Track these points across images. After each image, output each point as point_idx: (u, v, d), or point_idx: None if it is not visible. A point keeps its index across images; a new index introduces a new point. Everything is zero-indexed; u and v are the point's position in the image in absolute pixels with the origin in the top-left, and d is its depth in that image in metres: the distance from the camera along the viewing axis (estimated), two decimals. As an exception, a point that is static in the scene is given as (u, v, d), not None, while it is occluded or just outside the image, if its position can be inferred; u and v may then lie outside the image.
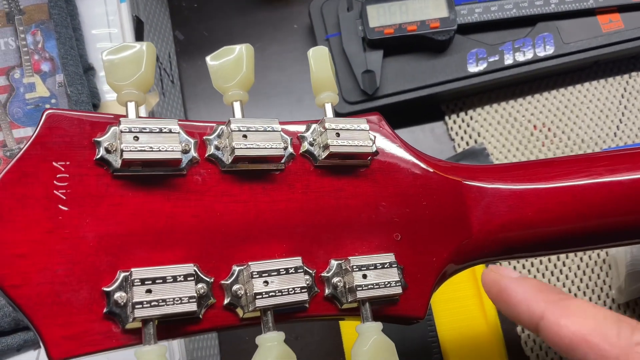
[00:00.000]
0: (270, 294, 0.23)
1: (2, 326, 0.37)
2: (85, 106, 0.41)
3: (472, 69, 0.49)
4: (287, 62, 0.55)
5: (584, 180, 0.31)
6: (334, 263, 0.26)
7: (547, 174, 0.32)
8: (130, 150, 0.23)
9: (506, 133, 0.52)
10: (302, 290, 0.24)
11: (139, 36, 0.47)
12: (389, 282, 0.25)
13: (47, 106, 0.40)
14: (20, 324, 0.37)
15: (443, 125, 0.53)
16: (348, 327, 0.45)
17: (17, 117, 0.40)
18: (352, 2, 0.51)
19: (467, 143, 0.52)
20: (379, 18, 0.49)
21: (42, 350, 0.38)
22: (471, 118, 0.52)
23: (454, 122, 0.52)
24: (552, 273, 0.49)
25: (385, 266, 0.26)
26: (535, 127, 0.52)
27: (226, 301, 0.24)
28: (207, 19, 0.56)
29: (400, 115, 0.52)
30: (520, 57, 0.49)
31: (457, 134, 0.52)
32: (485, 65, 0.49)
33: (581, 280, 0.48)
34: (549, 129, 0.52)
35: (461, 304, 0.46)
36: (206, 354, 0.44)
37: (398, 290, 0.26)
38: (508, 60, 0.49)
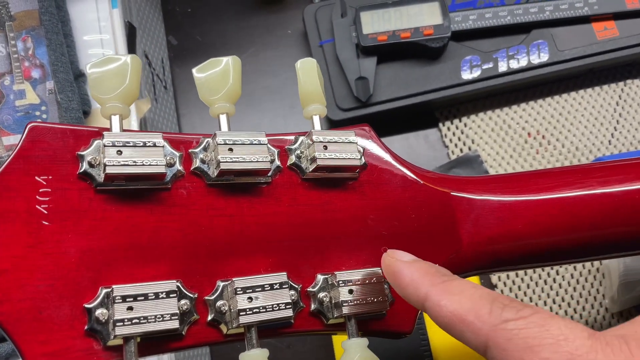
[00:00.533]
0: (255, 310, 0.23)
1: (-10, 335, 0.37)
2: (76, 113, 0.40)
3: (466, 76, 0.49)
4: (281, 67, 0.55)
5: (573, 192, 0.31)
6: (320, 277, 0.26)
7: (537, 185, 0.31)
8: (114, 165, 0.23)
9: (500, 140, 0.51)
10: (287, 306, 0.24)
11: (131, 42, 0.46)
12: (375, 298, 0.25)
13: (37, 113, 0.40)
14: (8, 332, 0.37)
15: (437, 132, 0.52)
16: (339, 336, 0.45)
17: (7, 125, 0.40)
18: (346, 8, 0.51)
19: (461, 150, 0.51)
20: (373, 24, 0.49)
21: None
22: (465, 125, 0.52)
23: (448, 129, 0.52)
24: (545, 282, 0.48)
25: (372, 281, 0.26)
26: (529, 134, 0.52)
27: (210, 317, 0.24)
28: (201, 24, 0.56)
29: (394, 122, 0.52)
30: (515, 65, 0.49)
31: (451, 140, 0.52)
32: (479, 72, 0.49)
33: (574, 289, 0.48)
34: (543, 137, 0.51)
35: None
36: (197, 362, 0.44)
37: (385, 305, 0.25)
38: (502, 68, 0.49)
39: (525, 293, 0.48)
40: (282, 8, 0.57)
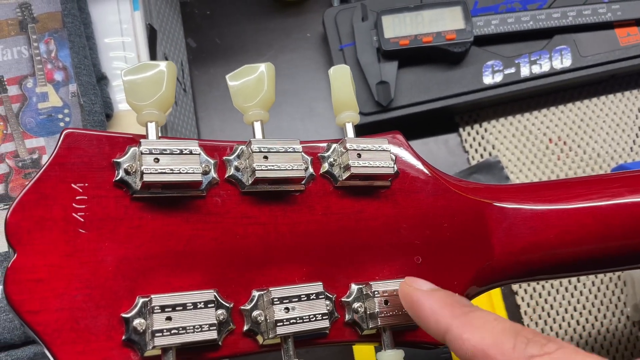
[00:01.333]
0: (292, 320, 0.23)
1: (12, 339, 0.37)
2: (99, 117, 0.40)
3: (488, 81, 0.49)
4: (299, 70, 0.55)
5: (605, 201, 0.31)
6: (354, 287, 0.25)
7: (568, 194, 0.31)
8: (151, 173, 0.22)
9: (521, 146, 0.51)
10: (324, 317, 0.23)
11: (152, 44, 0.46)
12: (410, 309, 0.25)
13: (60, 116, 0.40)
14: (30, 337, 0.37)
15: (457, 137, 0.52)
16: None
17: (30, 127, 0.40)
18: (367, 11, 0.50)
19: (482, 155, 0.51)
20: (394, 28, 0.48)
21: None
22: (485, 130, 0.51)
23: (468, 134, 0.52)
24: (566, 289, 0.48)
25: (407, 291, 0.25)
26: (550, 140, 0.51)
27: (246, 327, 0.23)
28: (220, 26, 0.56)
29: (414, 126, 0.51)
30: (537, 70, 0.49)
31: (471, 146, 0.51)
32: (501, 77, 0.49)
33: (595, 297, 0.48)
34: (565, 143, 0.51)
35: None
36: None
37: (420, 316, 0.25)
38: (524, 73, 0.49)
39: (546, 300, 0.48)
40: (300, 11, 0.57)
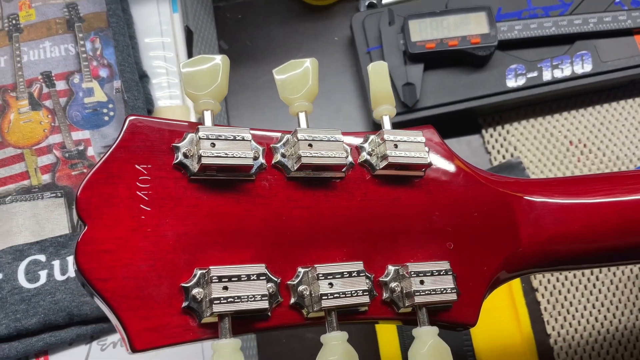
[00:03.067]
0: (335, 295, 0.25)
1: (57, 320, 0.39)
2: (141, 112, 0.42)
3: (511, 84, 0.50)
4: (327, 72, 0.57)
5: (628, 196, 0.32)
6: (391, 268, 0.27)
7: (593, 189, 0.33)
8: (208, 156, 0.24)
9: (542, 148, 0.52)
10: (364, 293, 0.25)
11: (189, 45, 0.49)
12: (444, 289, 0.27)
13: (105, 110, 0.42)
14: (74, 318, 0.39)
15: (479, 138, 0.54)
16: (384, 333, 0.46)
17: (76, 120, 0.42)
18: (394, 16, 0.52)
19: (504, 157, 0.53)
20: (421, 32, 0.50)
21: (94, 345, 0.40)
22: (507, 132, 0.53)
23: (491, 135, 0.53)
24: (585, 287, 0.49)
25: (442, 273, 0.27)
26: (571, 142, 0.53)
27: (292, 301, 0.25)
28: (251, 30, 0.58)
29: (438, 127, 0.52)
30: (559, 74, 0.50)
31: (493, 147, 0.53)
32: (524, 80, 0.50)
33: (614, 294, 0.49)
34: (585, 145, 0.52)
35: (496, 314, 0.47)
36: (245, 354, 0.46)
37: (453, 297, 0.27)
38: (547, 77, 0.50)
39: (565, 297, 0.49)
40: (328, 16, 0.59)
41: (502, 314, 0.48)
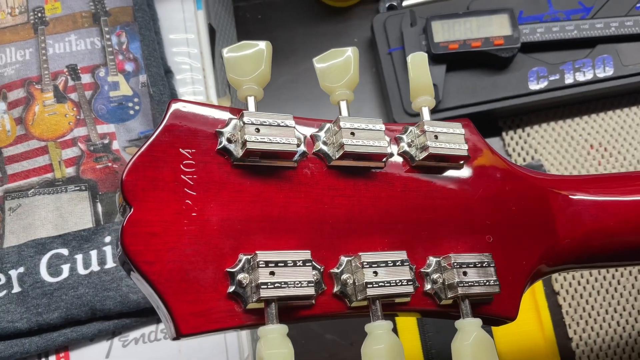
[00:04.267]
0: (380, 284, 0.24)
1: (79, 315, 0.38)
2: (166, 106, 0.42)
3: (533, 86, 0.50)
4: (347, 74, 0.56)
5: (662, 194, 0.32)
6: (432, 260, 0.27)
7: (626, 187, 0.33)
8: (253, 141, 0.24)
9: (563, 151, 0.52)
10: (408, 283, 0.25)
11: (212, 43, 0.48)
12: (487, 281, 0.26)
13: (130, 104, 0.42)
14: (96, 313, 0.38)
15: (500, 140, 0.53)
16: (406, 334, 0.46)
17: (101, 114, 0.42)
18: (416, 17, 0.52)
19: (524, 159, 0.52)
20: (444, 33, 0.50)
21: (115, 341, 0.39)
22: (528, 135, 0.53)
23: (511, 138, 0.53)
24: (607, 291, 0.49)
25: (484, 265, 0.27)
26: (592, 146, 0.52)
27: (335, 289, 0.25)
28: (270, 30, 0.58)
29: (458, 129, 0.53)
30: (581, 77, 0.50)
31: (514, 150, 0.53)
32: (546, 83, 0.50)
33: (635, 299, 0.49)
34: (605, 149, 0.52)
35: (519, 317, 0.47)
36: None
37: (496, 289, 0.26)
38: (568, 80, 0.50)
39: (587, 301, 0.49)
40: (348, 17, 0.59)
41: (524, 316, 0.47)
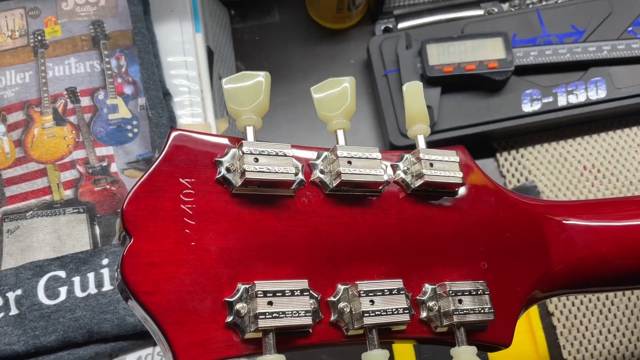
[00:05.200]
0: (377, 312, 0.25)
1: (76, 338, 0.38)
2: (165, 129, 0.43)
3: (527, 108, 0.51)
4: (343, 95, 0.57)
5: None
6: (428, 287, 0.27)
7: (619, 212, 0.33)
8: (252, 171, 0.24)
9: (557, 172, 0.53)
10: (404, 311, 0.25)
11: (209, 65, 0.49)
12: (482, 309, 0.27)
13: (129, 127, 0.42)
14: (94, 336, 0.38)
15: (494, 162, 0.54)
16: (402, 358, 0.46)
17: (100, 136, 0.42)
18: (411, 40, 0.53)
19: (518, 180, 0.53)
20: (439, 56, 0.51)
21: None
22: (522, 156, 0.54)
23: (505, 159, 0.54)
24: (600, 311, 0.49)
25: (479, 293, 0.27)
26: (585, 167, 0.53)
27: (332, 318, 0.25)
28: (267, 51, 0.59)
29: (453, 150, 0.53)
30: (573, 100, 0.51)
31: (508, 171, 0.53)
32: (539, 105, 0.51)
33: (629, 319, 0.49)
34: (599, 170, 0.53)
35: (514, 338, 0.47)
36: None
37: (490, 316, 0.27)
38: (562, 102, 0.51)
39: (581, 322, 0.49)
40: (344, 39, 0.60)
41: (519, 337, 0.48)
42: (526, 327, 0.48)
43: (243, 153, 0.25)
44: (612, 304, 0.50)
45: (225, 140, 0.26)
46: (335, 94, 0.28)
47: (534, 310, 0.48)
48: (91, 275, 0.39)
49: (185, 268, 0.23)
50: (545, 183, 0.53)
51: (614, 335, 0.49)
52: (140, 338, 0.39)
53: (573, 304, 0.50)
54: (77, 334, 0.38)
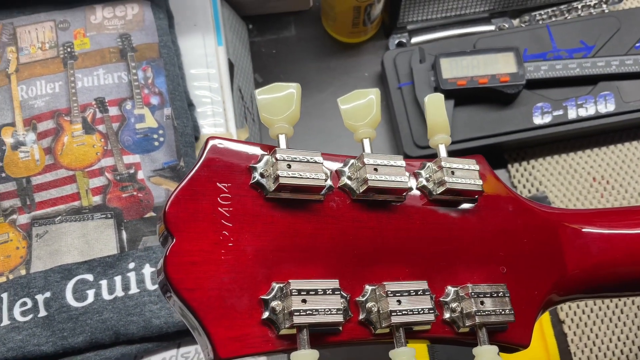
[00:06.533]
0: (403, 312, 0.26)
1: (103, 339, 0.39)
2: (189, 138, 0.44)
3: (538, 121, 0.53)
4: (358, 107, 0.59)
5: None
6: (451, 289, 0.28)
7: (632, 221, 0.34)
8: (285, 177, 0.26)
9: (567, 183, 0.54)
10: (430, 311, 0.26)
11: (230, 77, 0.51)
12: (503, 310, 0.28)
13: (155, 136, 0.44)
14: (120, 337, 0.40)
15: (505, 173, 0.55)
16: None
17: (127, 145, 0.43)
18: (425, 54, 0.55)
19: (529, 191, 0.54)
20: (452, 70, 0.53)
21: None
22: (533, 167, 0.55)
23: (517, 170, 0.55)
24: (610, 319, 0.50)
25: (500, 295, 0.28)
26: (594, 179, 0.54)
27: (361, 317, 0.26)
28: (284, 64, 0.60)
29: (466, 161, 0.55)
30: (583, 113, 0.53)
31: (519, 181, 0.55)
32: (550, 118, 0.53)
33: (638, 327, 0.50)
34: (608, 182, 0.54)
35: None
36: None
37: (511, 317, 0.28)
38: (571, 115, 0.53)
39: (591, 330, 0.50)
40: (359, 53, 0.61)
41: (531, 345, 0.48)
42: (538, 334, 0.49)
43: (276, 160, 0.26)
44: (622, 312, 0.51)
45: (258, 148, 0.28)
46: (362, 104, 0.30)
47: (545, 318, 0.50)
48: (118, 279, 0.41)
49: (224, 267, 0.24)
50: (555, 194, 0.54)
51: (624, 343, 0.50)
52: (165, 340, 0.40)
53: (584, 312, 0.51)
54: (104, 335, 0.40)
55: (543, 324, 0.49)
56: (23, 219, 0.42)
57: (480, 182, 0.30)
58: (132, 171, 0.43)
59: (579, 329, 0.50)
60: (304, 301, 0.24)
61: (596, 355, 0.50)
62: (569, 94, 0.53)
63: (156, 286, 0.40)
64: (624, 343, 0.50)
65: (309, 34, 0.62)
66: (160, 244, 0.26)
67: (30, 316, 0.40)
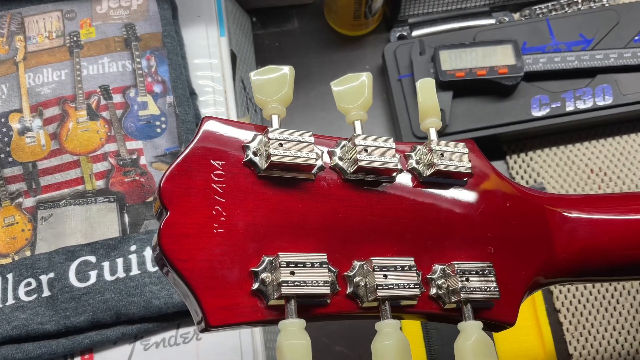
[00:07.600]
0: (389, 286, 0.27)
1: (104, 319, 0.41)
2: (191, 125, 0.45)
3: (536, 113, 0.53)
4: (358, 98, 0.59)
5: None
6: (437, 267, 0.29)
7: (620, 207, 0.35)
8: (277, 155, 0.27)
9: (564, 175, 0.55)
10: (415, 286, 0.27)
11: (232, 68, 0.52)
12: (488, 287, 0.29)
13: (157, 123, 0.45)
14: (121, 317, 0.41)
15: (504, 164, 0.56)
16: (412, 346, 0.48)
17: (130, 131, 0.45)
18: (425, 47, 0.55)
19: (527, 182, 0.55)
20: (451, 62, 0.53)
21: (137, 344, 0.42)
22: (531, 159, 0.55)
23: (515, 161, 0.56)
24: (606, 309, 0.51)
25: (485, 272, 0.29)
26: (592, 171, 0.55)
27: (349, 290, 0.27)
28: (287, 57, 0.61)
29: (464, 152, 0.55)
30: (581, 105, 0.53)
31: (517, 173, 0.55)
32: (547, 110, 0.53)
33: (634, 317, 0.51)
34: (605, 174, 0.55)
35: (521, 334, 0.49)
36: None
37: (496, 295, 0.29)
38: (569, 107, 0.53)
39: (587, 319, 0.51)
40: (360, 46, 0.62)
41: (526, 333, 0.49)
42: (533, 323, 0.49)
43: (269, 139, 0.27)
44: (618, 302, 0.51)
45: (252, 128, 0.29)
46: (354, 87, 0.31)
47: (540, 307, 0.50)
48: (120, 261, 0.42)
49: (216, 240, 0.25)
50: (553, 185, 0.54)
51: (619, 332, 0.50)
52: (164, 320, 0.41)
53: (579, 301, 0.51)
54: (106, 315, 0.41)
55: (538, 312, 0.50)
56: (29, 202, 0.44)
57: (469, 164, 0.31)
58: (134, 157, 0.44)
59: (574, 318, 0.51)
60: (292, 273, 0.25)
61: (591, 344, 0.50)
62: (567, 86, 0.54)
63: (156, 268, 0.41)
64: (619, 332, 0.50)
65: (311, 27, 0.63)
66: (156, 219, 0.27)
67: (35, 296, 0.41)
